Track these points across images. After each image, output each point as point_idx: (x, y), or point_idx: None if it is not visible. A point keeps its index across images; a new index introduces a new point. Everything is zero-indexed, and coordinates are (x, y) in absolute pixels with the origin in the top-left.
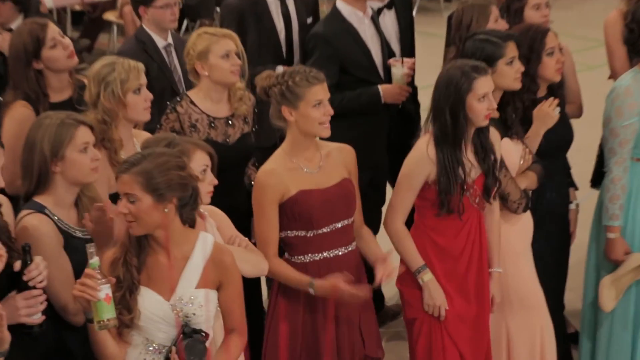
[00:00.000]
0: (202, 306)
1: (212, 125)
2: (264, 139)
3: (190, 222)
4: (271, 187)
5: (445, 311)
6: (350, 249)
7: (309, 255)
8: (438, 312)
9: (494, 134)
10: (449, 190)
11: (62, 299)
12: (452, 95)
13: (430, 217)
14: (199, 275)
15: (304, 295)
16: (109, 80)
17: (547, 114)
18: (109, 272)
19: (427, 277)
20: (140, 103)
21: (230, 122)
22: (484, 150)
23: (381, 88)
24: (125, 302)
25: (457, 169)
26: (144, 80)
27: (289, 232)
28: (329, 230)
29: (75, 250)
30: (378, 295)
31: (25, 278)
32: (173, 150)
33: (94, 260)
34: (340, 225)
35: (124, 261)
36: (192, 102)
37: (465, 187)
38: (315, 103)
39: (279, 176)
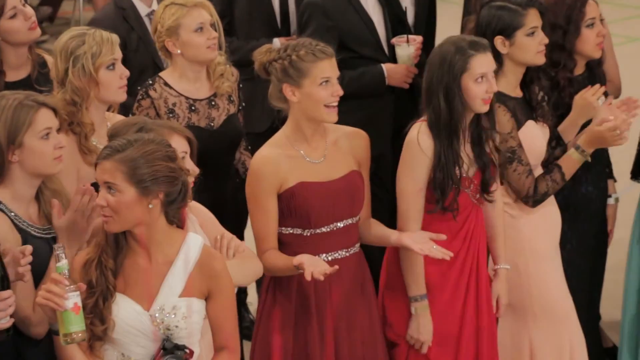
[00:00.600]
0: (186, 318)
1: (193, 108)
2: (256, 122)
3: (177, 221)
4: (267, 176)
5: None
6: (352, 251)
7: None
8: (420, 347)
9: (501, 118)
10: (444, 187)
11: (22, 309)
12: (445, 75)
13: (424, 220)
14: (184, 282)
15: (295, 302)
16: (78, 55)
17: (589, 103)
18: (80, 275)
19: (421, 310)
20: (115, 81)
21: (213, 103)
22: (480, 142)
23: (385, 68)
24: (98, 310)
25: (453, 163)
26: (118, 54)
27: (282, 228)
28: (328, 230)
29: (35, 252)
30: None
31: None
32: (162, 138)
33: (62, 264)
34: (341, 225)
35: (98, 262)
36: (166, 84)
37: (461, 184)
38: (322, 81)
39: (276, 163)
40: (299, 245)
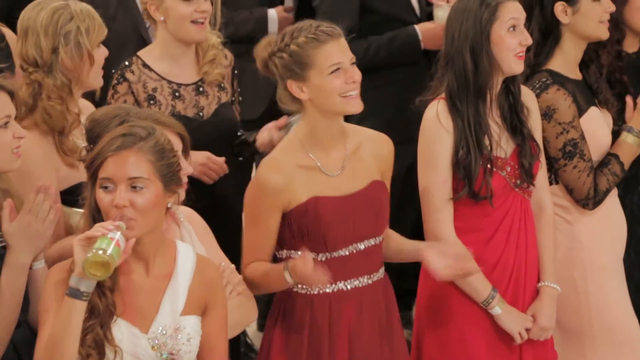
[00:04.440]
0: (191, 339)
1: (177, 94)
2: (248, 107)
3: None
4: (276, 188)
5: None
6: (376, 277)
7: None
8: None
9: (528, 96)
10: (469, 165)
11: None
12: (471, 29)
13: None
14: (185, 297)
15: (308, 327)
16: (69, 30)
17: None
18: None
19: (500, 308)
20: (101, 61)
21: (200, 89)
22: (516, 114)
23: (419, 28)
24: (97, 338)
25: (479, 131)
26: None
27: (292, 252)
28: (347, 253)
29: None
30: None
31: None
32: None
33: (121, 223)
34: (363, 247)
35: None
36: (145, 65)
37: (492, 161)
38: (332, 69)
39: (287, 174)
40: None
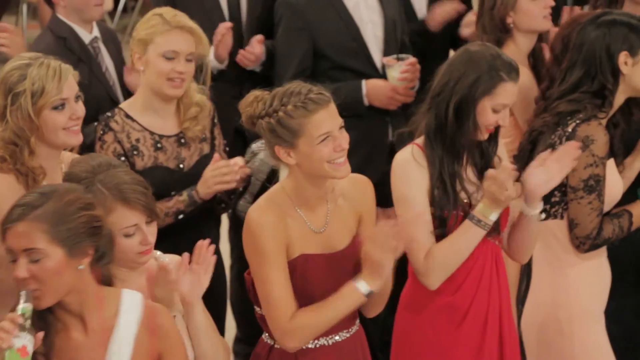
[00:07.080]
0: None
1: (159, 146)
2: None
3: (107, 278)
4: (272, 226)
5: None
6: (353, 330)
7: None
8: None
9: (600, 136)
10: (443, 205)
11: None
12: (466, 88)
13: None
14: (131, 347)
15: None
16: (17, 92)
17: None
18: None
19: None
20: (60, 122)
21: (182, 140)
22: (485, 162)
23: (366, 84)
24: None
25: (452, 178)
26: (69, 91)
27: None
28: None
29: None
30: None
31: None
32: (77, 185)
33: (24, 306)
34: None
35: None
36: (128, 116)
37: (465, 207)
38: (322, 138)
39: (279, 217)
40: None
